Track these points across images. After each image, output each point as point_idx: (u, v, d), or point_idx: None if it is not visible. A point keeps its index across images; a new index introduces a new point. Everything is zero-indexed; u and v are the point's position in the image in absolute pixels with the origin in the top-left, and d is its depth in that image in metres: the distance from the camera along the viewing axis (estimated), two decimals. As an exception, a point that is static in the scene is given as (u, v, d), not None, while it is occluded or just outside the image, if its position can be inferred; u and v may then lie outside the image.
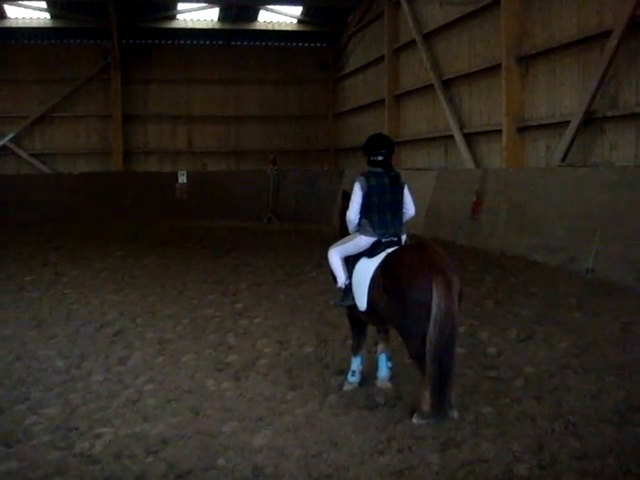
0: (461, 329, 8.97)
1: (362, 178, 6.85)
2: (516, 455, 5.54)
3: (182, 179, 30.59)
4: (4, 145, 31.55)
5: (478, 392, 6.97)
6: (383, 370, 7.24)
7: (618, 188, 13.30)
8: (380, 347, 7.34)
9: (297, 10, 32.58)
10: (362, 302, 6.63)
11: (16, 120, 31.76)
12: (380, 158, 6.95)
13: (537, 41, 17.72)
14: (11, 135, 31.53)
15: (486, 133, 20.53)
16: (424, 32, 23.79)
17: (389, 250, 6.69)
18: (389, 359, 7.29)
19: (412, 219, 7.28)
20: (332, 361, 8.16)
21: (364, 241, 6.80)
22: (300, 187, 28.14)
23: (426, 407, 6.18)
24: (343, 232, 7.38)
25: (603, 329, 9.28)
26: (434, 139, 24.01)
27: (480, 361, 8.08)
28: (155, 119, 33.67)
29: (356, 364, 7.23)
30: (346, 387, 7.16)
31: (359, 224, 6.88)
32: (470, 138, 21.32)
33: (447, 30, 22.50)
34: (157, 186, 30.57)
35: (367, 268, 6.66)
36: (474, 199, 18.30)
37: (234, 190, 30.10)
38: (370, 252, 6.77)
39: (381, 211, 6.83)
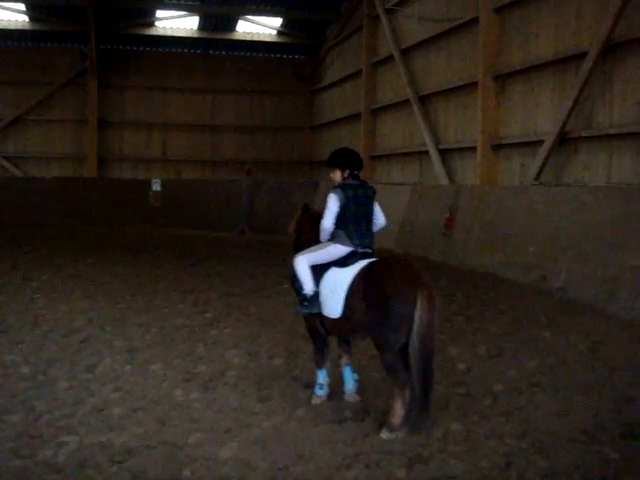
0: (431, 344, 8.98)
1: (339, 190, 6.87)
2: (484, 472, 5.52)
3: (156, 187, 30.47)
4: (-23, 147, 31.29)
5: (447, 408, 6.96)
6: (350, 383, 7.21)
7: (590, 208, 13.38)
8: (344, 360, 7.31)
9: (277, 21, 32.70)
10: (336, 309, 6.61)
11: (-10, 122, 31.53)
12: (356, 172, 7.01)
13: (514, 60, 17.87)
14: (-16, 137, 31.28)
15: (461, 150, 20.65)
16: (402, 47, 23.93)
17: (364, 260, 6.70)
18: (354, 371, 7.27)
19: (383, 229, 7.30)
20: (301, 374, 8.11)
21: (339, 250, 6.80)
22: (275, 198, 28.14)
23: (395, 420, 6.17)
24: (298, 244, 7.42)
25: (572, 348, 9.31)
26: (409, 154, 24.11)
27: (449, 377, 8.08)
28: (131, 126, 33.57)
29: (322, 377, 7.19)
30: (314, 401, 7.12)
31: (333, 233, 6.88)
32: (445, 154, 21.43)
33: (425, 46, 22.65)
34: (130, 193, 30.46)
35: (342, 276, 6.65)
36: (447, 215, 18.36)
37: (208, 199, 30.07)
38: (343, 261, 6.77)
39: (357, 222, 6.87)
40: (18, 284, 14.09)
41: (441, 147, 21.54)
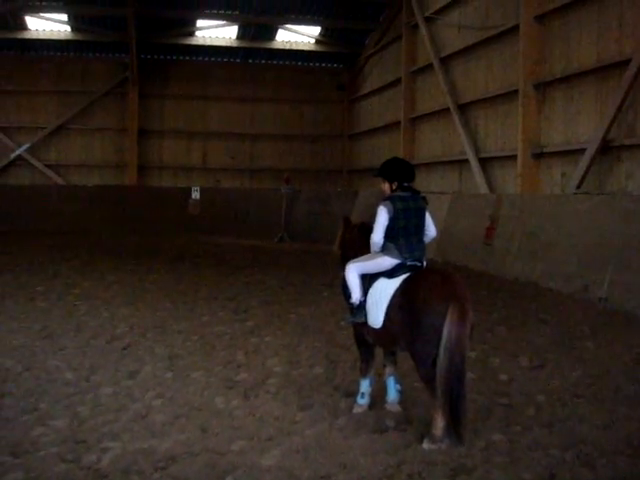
0: (472, 354, 8.93)
1: (389, 202, 6.79)
2: (527, 484, 5.47)
3: (195, 195, 30.72)
4: (20, 155, 31.83)
5: (489, 419, 6.89)
6: (392, 393, 7.17)
7: (633, 217, 13.22)
8: (388, 370, 7.28)
9: (315, 30, 32.79)
10: (377, 320, 6.60)
11: (33, 131, 32.13)
12: (406, 184, 6.94)
13: (555, 68, 17.74)
14: (27, 145, 31.80)
15: (501, 158, 20.53)
16: (442, 56, 23.88)
17: (409, 273, 6.67)
18: (397, 382, 7.24)
19: (434, 239, 7.25)
20: (342, 383, 8.09)
21: (387, 262, 6.76)
22: (313, 206, 28.18)
23: (437, 432, 6.12)
24: (345, 258, 7.35)
25: (616, 359, 9.19)
26: (449, 163, 24.02)
27: (491, 387, 8.00)
28: (170, 134, 33.88)
29: (365, 386, 7.16)
30: (356, 409, 7.09)
31: (383, 246, 6.83)
32: (485, 163, 21.32)
33: (465, 54, 22.57)
34: (170, 201, 30.75)
35: (387, 287, 6.63)
36: (488, 224, 18.25)
37: (247, 208, 30.23)
38: (391, 273, 6.74)
39: (407, 235, 6.80)
40: (60, 291, 14.24)
41: (481, 156, 21.43)
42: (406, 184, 6.94)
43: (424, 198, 7.02)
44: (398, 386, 7.21)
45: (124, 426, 6.67)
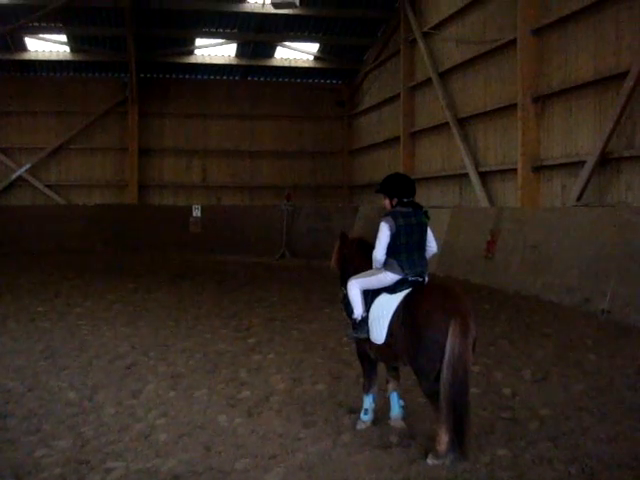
0: (475, 369, 8.92)
1: (390, 218, 6.79)
2: (532, 499, 5.45)
3: (196, 213, 30.76)
4: (20, 176, 31.87)
5: (493, 433, 6.87)
6: (395, 409, 7.15)
7: (634, 229, 13.23)
8: (391, 385, 7.26)
9: (314, 47, 32.89)
10: (380, 335, 6.59)
11: (33, 151, 32.20)
12: (406, 200, 6.93)
13: (553, 81, 17.80)
14: (28, 166, 31.84)
15: (501, 172, 20.56)
16: (440, 70, 23.96)
17: (411, 288, 6.68)
18: (400, 397, 7.22)
19: (434, 255, 7.25)
20: (345, 399, 8.08)
21: (389, 278, 6.76)
22: (314, 223, 28.20)
23: (441, 447, 6.11)
24: (345, 274, 7.37)
25: (619, 371, 9.17)
26: (449, 177, 24.05)
27: (495, 401, 7.98)
28: (171, 153, 33.95)
29: (368, 402, 7.15)
30: (359, 426, 7.08)
31: (385, 262, 6.82)
32: (485, 176, 21.35)
33: (463, 69, 22.65)
34: (171, 219, 30.78)
35: (389, 303, 6.63)
36: (488, 238, 18.26)
37: (248, 225, 30.25)
38: (393, 288, 6.74)
39: (409, 250, 6.80)
40: (62, 311, 14.24)
41: (481, 169, 21.47)
42: (407, 199, 6.94)
43: (426, 213, 7.00)
44: (401, 402, 7.19)
45: (127, 446, 6.66)
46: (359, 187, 33.87)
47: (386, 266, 6.80)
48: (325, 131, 35.47)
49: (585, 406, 7.71)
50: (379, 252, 6.81)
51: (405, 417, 7.18)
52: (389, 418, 7.15)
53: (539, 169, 18.41)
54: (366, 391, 7.19)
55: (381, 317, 6.63)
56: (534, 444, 6.57)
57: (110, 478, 5.91)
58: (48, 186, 32.34)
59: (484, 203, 20.77)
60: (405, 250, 6.79)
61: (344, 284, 7.28)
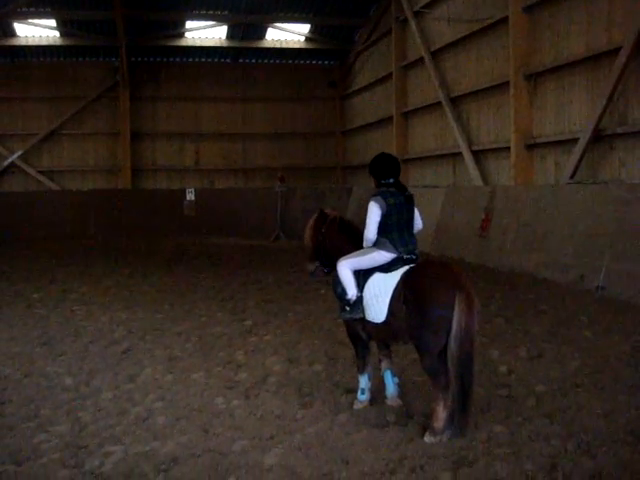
0: (471, 347, 8.94)
1: (379, 198, 6.82)
2: (529, 475, 5.47)
3: (190, 196, 30.75)
4: (13, 162, 31.72)
5: (490, 410, 6.91)
6: (391, 387, 7.19)
7: (628, 205, 13.25)
8: (384, 364, 7.28)
9: (305, 28, 32.75)
10: (380, 313, 6.60)
11: (25, 137, 32.00)
12: (391, 180, 6.97)
13: (545, 58, 17.75)
14: (20, 152, 31.69)
15: (494, 150, 20.54)
16: (432, 49, 23.86)
17: (407, 266, 6.71)
18: (394, 375, 7.25)
19: (420, 232, 7.26)
20: (342, 379, 8.11)
21: (383, 257, 6.77)
22: (308, 204, 28.18)
23: (438, 424, 6.16)
24: (317, 252, 7.45)
25: (614, 348, 9.20)
26: (442, 156, 24.02)
27: (491, 379, 8.03)
28: (163, 136, 33.81)
29: (364, 382, 7.18)
30: (357, 405, 7.11)
31: (376, 241, 6.84)
32: (478, 155, 21.33)
33: (455, 47, 22.57)
34: (165, 203, 30.79)
35: (386, 281, 6.65)
36: (483, 216, 18.27)
37: (242, 207, 30.27)
38: (387, 267, 6.76)
39: (400, 229, 6.85)
40: (57, 297, 14.24)
41: (474, 148, 21.44)
42: (392, 180, 6.96)
43: (410, 197, 7.03)
44: (396, 379, 7.23)
45: (125, 430, 6.68)
46: (352, 168, 33.82)
47: (378, 245, 6.81)
48: (318, 112, 35.34)
49: (581, 382, 7.75)
50: (371, 231, 6.82)
51: (401, 394, 7.21)
52: (385, 397, 7.18)
53: (532, 147, 18.40)
54: (361, 371, 7.21)
55: (379, 295, 6.64)
56: (530, 420, 6.61)
57: (109, 462, 5.93)
58: (41, 172, 32.17)
59: (478, 182, 20.76)
60: (397, 229, 6.82)
61: (316, 260, 7.41)
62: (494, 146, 20.45)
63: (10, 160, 31.62)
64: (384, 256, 6.78)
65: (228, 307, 12.93)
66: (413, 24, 24.87)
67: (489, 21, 20.22)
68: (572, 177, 16.08)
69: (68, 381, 8.32)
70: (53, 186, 32.07)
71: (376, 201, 6.80)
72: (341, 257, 7.07)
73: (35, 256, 21.75)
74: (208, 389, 7.91)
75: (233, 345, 10.01)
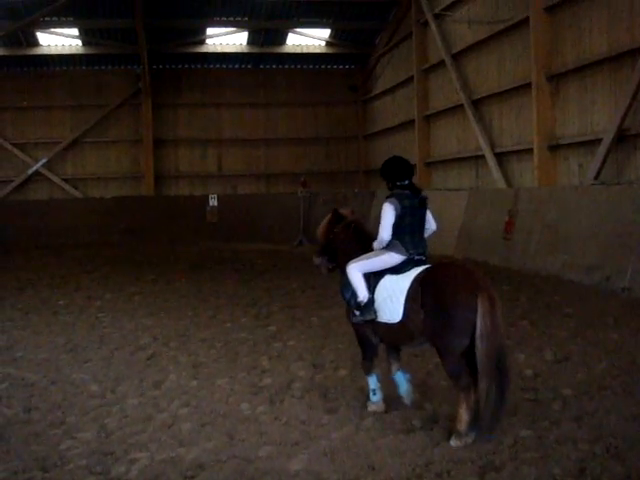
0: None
1: (394, 199, 6.87)
2: (557, 479, 5.43)
3: (213, 202, 30.83)
4: (37, 170, 31.97)
5: (516, 414, 6.86)
6: (403, 385, 7.14)
7: (653, 205, 13.15)
8: (394, 367, 7.24)
9: (325, 33, 32.76)
10: (396, 314, 6.60)
11: (49, 145, 32.25)
12: (407, 182, 7.03)
13: (567, 59, 17.65)
14: (44, 160, 31.95)
15: (517, 152, 20.44)
16: (453, 52, 23.80)
17: (419, 267, 6.72)
18: (405, 372, 7.21)
19: (435, 233, 7.29)
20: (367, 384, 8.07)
21: (395, 258, 6.81)
22: (330, 209, 28.13)
23: (461, 426, 6.13)
24: (326, 249, 7.62)
25: (642, 349, 9.13)
26: (465, 159, 23.93)
27: (517, 383, 7.94)
28: (185, 143, 33.92)
29: (374, 383, 7.19)
30: (370, 407, 7.12)
31: (389, 243, 6.86)
32: (501, 157, 21.23)
33: (476, 49, 22.49)
34: (188, 209, 30.88)
35: (399, 282, 6.68)
36: (506, 219, 18.18)
37: (265, 213, 30.29)
38: (398, 269, 6.79)
39: (412, 231, 6.91)
40: (83, 304, 14.32)
41: (497, 150, 21.34)
42: (406, 182, 7.01)
43: (424, 200, 7.08)
44: (407, 375, 7.18)
45: (151, 436, 6.70)
46: (375, 172, 33.58)
47: (389, 247, 6.85)
48: (339, 116, 35.33)
49: (608, 385, 7.68)
50: (385, 232, 6.86)
51: (414, 390, 7.20)
52: (399, 396, 7.13)
53: (555, 148, 18.29)
54: (368, 372, 7.23)
55: (393, 296, 6.65)
56: (558, 424, 6.55)
57: (135, 468, 5.95)
58: (65, 180, 32.41)
59: (501, 184, 20.66)
60: (409, 231, 6.89)
61: (324, 255, 7.59)
62: (517, 148, 20.35)
63: (35, 168, 31.87)
64: (395, 258, 6.82)
65: (252, 313, 12.93)
66: (433, 27, 24.81)
67: (510, 22, 20.14)
68: (596, 178, 15.96)
69: (94, 388, 8.35)
70: (77, 194, 32.28)
71: (391, 202, 6.85)
72: (347, 259, 7.13)
73: (60, 264, 21.89)
74: (233, 395, 7.92)
75: (257, 351, 10.01)
